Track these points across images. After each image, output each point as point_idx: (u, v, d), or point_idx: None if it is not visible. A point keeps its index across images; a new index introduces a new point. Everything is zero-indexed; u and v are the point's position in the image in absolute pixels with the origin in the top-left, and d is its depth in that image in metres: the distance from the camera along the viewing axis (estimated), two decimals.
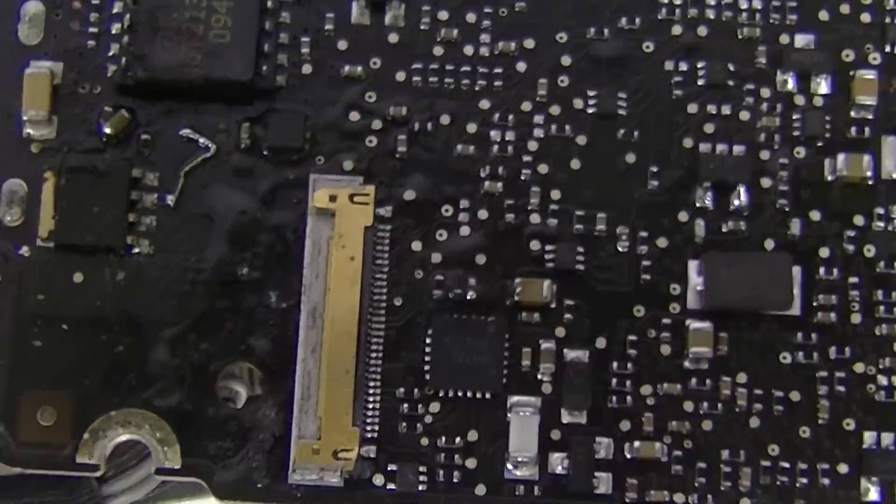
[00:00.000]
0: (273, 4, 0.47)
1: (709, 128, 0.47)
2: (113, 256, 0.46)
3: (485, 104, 0.47)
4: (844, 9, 0.48)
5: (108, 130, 0.47)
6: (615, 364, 0.46)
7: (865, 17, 0.48)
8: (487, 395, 0.46)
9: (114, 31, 0.47)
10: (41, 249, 0.46)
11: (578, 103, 0.47)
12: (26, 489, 0.48)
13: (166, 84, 0.46)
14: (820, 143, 0.47)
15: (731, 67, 0.47)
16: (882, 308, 0.46)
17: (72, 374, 0.46)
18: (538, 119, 0.47)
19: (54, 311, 0.46)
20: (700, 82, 0.47)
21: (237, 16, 0.47)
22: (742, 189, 0.47)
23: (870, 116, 0.47)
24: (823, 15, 0.48)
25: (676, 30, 0.48)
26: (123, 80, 0.47)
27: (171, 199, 0.47)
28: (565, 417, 0.46)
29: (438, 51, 0.47)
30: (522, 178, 0.47)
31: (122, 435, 0.46)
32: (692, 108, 0.47)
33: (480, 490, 0.45)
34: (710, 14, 0.48)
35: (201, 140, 0.47)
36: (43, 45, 0.47)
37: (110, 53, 0.47)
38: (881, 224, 0.46)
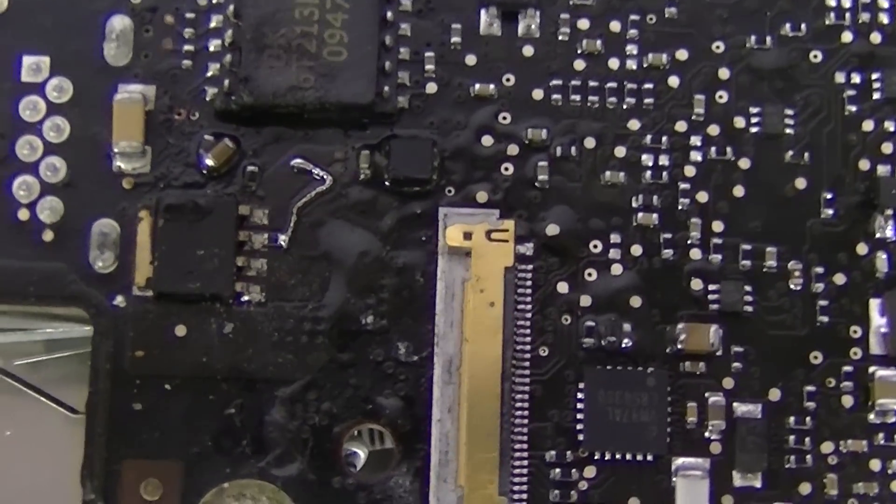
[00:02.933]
0: (393, 15, 0.43)
1: (887, 147, 0.44)
2: (220, 306, 0.43)
3: (634, 124, 0.44)
4: None
5: (209, 162, 0.43)
6: (792, 419, 0.43)
7: None
8: (649, 457, 0.43)
9: (212, 49, 0.43)
10: (138, 299, 0.43)
11: (740, 122, 0.44)
12: None
13: (275, 109, 0.43)
14: None
15: None
16: None
17: (178, 441, 0.42)
18: (695, 140, 0.44)
19: (155, 368, 0.43)
20: (875, 96, 0.44)
21: (354, 30, 0.42)
22: None
23: None
24: None
25: (847, 37, 0.44)
26: (226, 104, 0.43)
27: (283, 240, 0.43)
28: (738, 481, 0.43)
29: (580, 64, 0.44)
30: (680, 207, 0.43)
31: None
32: (868, 125, 0.44)
33: None
34: (884, 18, 0.44)
35: (315, 171, 0.43)
36: (132, 67, 0.44)
37: (209, 74, 0.43)
38: None
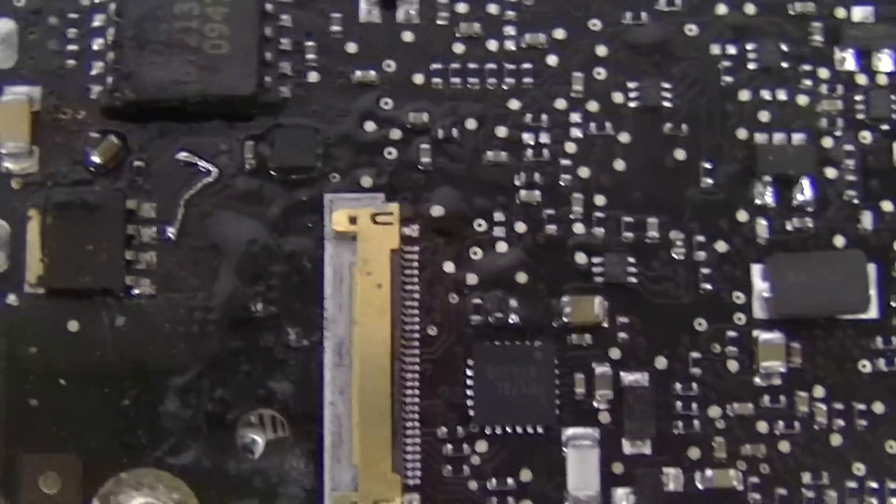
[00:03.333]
0: (272, 7, 0.44)
1: (764, 116, 0.45)
2: (111, 300, 0.43)
3: (514, 104, 0.44)
4: None
5: (96, 159, 0.44)
6: (678, 385, 0.44)
7: None
8: (540, 430, 0.43)
9: (96, 48, 0.44)
10: (30, 296, 0.44)
11: (618, 97, 0.45)
12: None
13: (159, 104, 0.43)
14: (887, 126, 0.44)
15: (785, 48, 0.45)
16: None
17: (75, 434, 0.43)
18: (575, 117, 0.44)
19: (50, 364, 0.43)
20: (751, 66, 0.45)
21: (234, 23, 0.43)
22: (806, 182, 0.44)
23: None
24: None
25: (721, 9, 0.45)
26: (110, 101, 0.44)
27: (171, 232, 0.44)
28: (627, 448, 0.43)
29: (459, 48, 0.44)
30: (562, 183, 0.44)
31: (136, 499, 0.43)
32: (744, 95, 0.45)
33: None
34: None
35: (201, 164, 0.44)
36: (18, 69, 0.44)
37: (93, 73, 0.44)
38: None
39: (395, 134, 0.44)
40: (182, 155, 0.44)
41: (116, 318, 0.43)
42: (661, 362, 0.43)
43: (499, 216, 0.43)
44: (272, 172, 0.43)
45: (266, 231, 0.43)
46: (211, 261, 0.43)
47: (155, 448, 0.43)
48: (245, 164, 0.44)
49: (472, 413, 0.43)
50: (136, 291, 0.43)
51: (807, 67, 0.44)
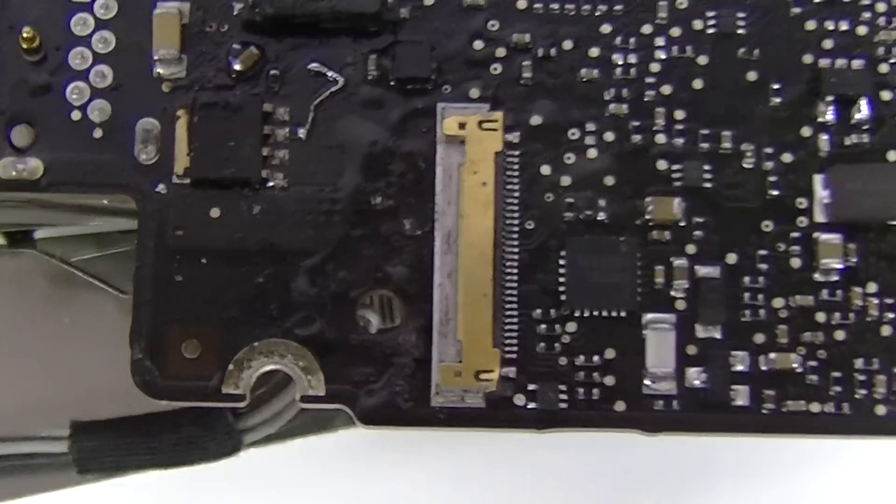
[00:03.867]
0: None
1: (827, 43, 0.48)
2: (248, 190, 0.47)
3: (606, 28, 0.48)
4: None
5: (237, 67, 0.47)
6: (747, 279, 0.47)
7: None
8: (623, 314, 0.46)
9: None
10: (177, 186, 0.47)
11: (698, 24, 0.48)
12: (164, 427, 0.49)
13: (294, 19, 0.47)
14: None
15: None
16: None
17: (214, 307, 0.46)
18: (659, 41, 0.48)
19: (194, 245, 0.47)
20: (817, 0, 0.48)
21: None
22: (863, 102, 0.47)
23: None
24: None
25: None
26: (251, 16, 0.47)
27: (302, 133, 0.47)
28: (700, 332, 0.46)
29: None
30: (646, 99, 0.47)
31: (266, 365, 0.46)
32: (810, 24, 0.48)
33: (620, 406, 0.46)
34: None
35: (330, 73, 0.47)
36: None
37: None
38: None
39: (501, 52, 0.47)
40: (313, 65, 0.47)
41: (253, 206, 0.47)
42: (731, 258, 0.46)
43: (590, 126, 0.47)
44: (391, 83, 0.47)
45: (386, 134, 0.47)
46: (337, 159, 0.47)
47: (285, 321, 0.46)
48: (368, 74, 0.47)
49: (563, 297, 0.46)
50: (271, 184, 0.47)
51: (866, 2, 0.48)
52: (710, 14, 0.48)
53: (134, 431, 0.49)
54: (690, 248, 0.47)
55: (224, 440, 0.48)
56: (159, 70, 0.47)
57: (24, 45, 0.47)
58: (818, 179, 0.47)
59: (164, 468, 0.49)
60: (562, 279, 0.46)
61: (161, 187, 0.47)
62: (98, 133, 0.47)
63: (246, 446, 0.49)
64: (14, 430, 0.50)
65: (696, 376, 0.46)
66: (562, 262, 0.47)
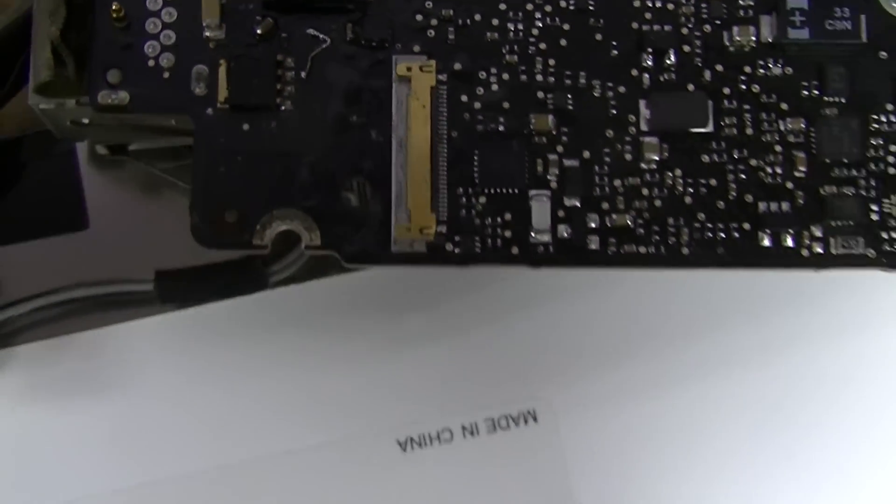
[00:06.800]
0: None
1: (648, 15, 0.60)
2: (267, 112, 0.59)
3: (503, 6, 0.60)
4: None
5: (259, 32, 0.59)
6: (596, 167, 0.59)
7: None
8: (516, 191, 0.58)
9: None
10: (220, 110, 0.59)
11: (563, 3, 0.61)
12: (218, 271, 0.66)
13: (299, 4, 0.60)
14: None
15: None
16: (764, 116, 0.60)
17: (246, 189, 0.59)
18: (538, 15, 0.61)
19: (232, 148, 0.59)
20: None
21: None
22: (671, 52, 0.61)
23: None
24: None
25: None
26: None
27: (303, 74, 0.59)
28: (566, 202, 0.59)
29: None
30: (530, 52, 0.60)
31: (282, 226, 0.58)
32: (637, 3, 0.61)
33: (515, 250, 0.59)
34: None
35: (321, 36, 0.60)
36: None
37: None
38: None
39: (434, 22, 0.60)
40: (310, 31, 0.59)
41: (271, 122, 0.59)
42: (586, 154, 0.59)
43: (493, 70, 0.59)
44: (362, 43, 0.59)
45: (359, 76, 0.59)
46: (326, 92, 0.59)
47: (294, 197, 0.58)
48: (347, 37, 0.59)
49: (476, 180, 0.58)
50: (283, 108, 0.59)
51: None
52: None
53: (199, 275, 0.66)
54: (560, 148, 0.58)
55: (257, 279, 0.67)
56: (207, 34, 0.59)
57: (114, 16, 0.59)
58: (642, 103, 0.59)
59: (218, 299, 0.66)
60: (476, 169, 0.58)
61: (209, 111, 0.58)
62: (166, 75, 0.59)
63: (272, 285, 0.66)
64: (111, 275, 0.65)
65: (563, 231, 0.58)
66: (475, 158, 0.58)
